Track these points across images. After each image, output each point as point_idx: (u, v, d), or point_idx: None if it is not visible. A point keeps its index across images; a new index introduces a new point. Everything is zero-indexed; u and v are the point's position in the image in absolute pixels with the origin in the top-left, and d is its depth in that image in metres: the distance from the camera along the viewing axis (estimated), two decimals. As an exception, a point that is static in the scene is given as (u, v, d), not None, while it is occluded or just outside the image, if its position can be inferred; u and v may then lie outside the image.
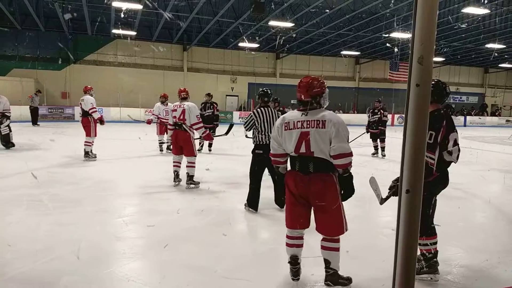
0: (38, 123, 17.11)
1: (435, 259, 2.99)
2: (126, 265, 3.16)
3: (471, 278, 3.10)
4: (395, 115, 26.02)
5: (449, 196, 5.94)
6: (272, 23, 16.67)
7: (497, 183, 7.28)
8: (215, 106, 10.16)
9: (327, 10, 15.60)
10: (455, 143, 2.90)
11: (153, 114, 9.96)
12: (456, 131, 2.92)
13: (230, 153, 9.91)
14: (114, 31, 18.92)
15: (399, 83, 24.93)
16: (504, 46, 20.58)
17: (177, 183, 5.96)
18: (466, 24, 16.98)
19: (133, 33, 19.04)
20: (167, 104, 9.53)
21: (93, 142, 8.18)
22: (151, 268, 3.18)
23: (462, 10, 14.60)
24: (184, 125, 5.77)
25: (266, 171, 4.73)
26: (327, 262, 2.79)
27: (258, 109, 4.70)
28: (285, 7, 15.15)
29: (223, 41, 22.13)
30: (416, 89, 1.29)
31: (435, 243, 3.01)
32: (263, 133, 4.62)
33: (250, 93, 25.12)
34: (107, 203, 5.03)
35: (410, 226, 1.32)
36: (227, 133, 6.51)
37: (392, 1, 14.46)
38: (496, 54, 21.72)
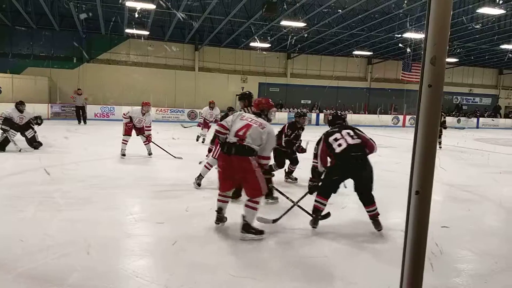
0: (85, 121, 17.18)
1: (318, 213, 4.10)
2: (135, 262, 3.19)
3: (480, 281, 3.07)
4: (407, 116, 25.77)
5: (460, 199, 5.89)
6: (284, 23, 16.63)
7: (508, 185, 7.17)
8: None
9: (340, 10, 15.51)
10: (336, 140, 4.07)
11: (201, 117, 11.59)
12: (336, 133, 4.13)
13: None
14: (127, 30, 19.06)
15: (411, 84, 24.66)
16: (519, 47, 20.24)
17: None
18: (481, 24, 16.73)
19: (146, 32, 19.15)
20: (212, 108, 11.36)
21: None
22: (159, 265, 3.21)
23: (477, 11, 14.38)
24: None
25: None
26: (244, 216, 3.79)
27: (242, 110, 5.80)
28: (297, 7, 15.10)
29: (234, 41, 22.15)
30: (428, 90, 1.28)
31: (322, 203, 4.09)
32: None
33: (260, 93, 25.11)
34: (117, 201, 5.08)
35: (419, 228, 1.31)
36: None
37: (406, 1, 14.31)
38: (510, 55, 21.34)
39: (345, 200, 5.08)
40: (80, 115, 17.28)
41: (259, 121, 3.89)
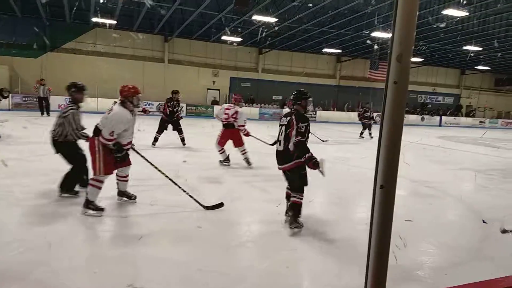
0: (49, 113, 16.47)
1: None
2: (100, 257, 3.11)
3: (441, 273, 3.19)
4: (373, 114, 26.38)
5: (422, 194, 6.10)
6: (256, 17, 16.60)
7: (468, 181, 7.49)
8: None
9: (310, 4, 15.60)
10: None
11: None
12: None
13: (205, 147, 9.85)
14: (94, 19, 18.43)
15: (378, 82, 25.24)
16: (481, 49, 21.04)
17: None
18: (445, 24, 17.30)
19: (114, 22, 18.57)
20: None
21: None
22: (125, 260, 3.14)
23: (442, 12, 14.87)
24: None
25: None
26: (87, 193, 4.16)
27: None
28: (269, 1, 15.09)
29: (205, 33, 21.87)
30: (394, 86, 1.30)
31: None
32: None
33: (232, 87, 25.00)
34: (81, 195, 4.91)
35: (383, 220, 1.34)
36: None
37: (374, 0, 14.60)
38: (472, 54, 22.18)
39: (311, 194, 5.15)
40: (43, 106, 16.62)
41: (113, 108, 4.18)
